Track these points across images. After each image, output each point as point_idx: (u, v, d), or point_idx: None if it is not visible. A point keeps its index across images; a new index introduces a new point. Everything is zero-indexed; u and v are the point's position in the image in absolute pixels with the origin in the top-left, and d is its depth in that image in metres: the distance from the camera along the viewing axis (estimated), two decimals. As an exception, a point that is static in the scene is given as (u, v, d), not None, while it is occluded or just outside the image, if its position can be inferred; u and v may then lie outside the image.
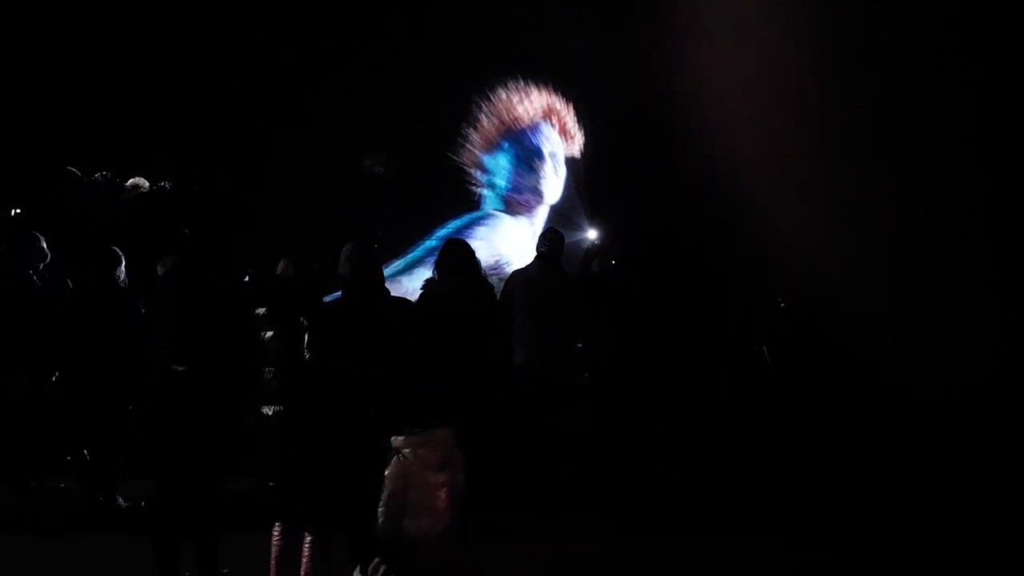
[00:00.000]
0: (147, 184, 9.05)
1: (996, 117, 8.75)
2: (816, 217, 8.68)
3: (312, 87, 10.36)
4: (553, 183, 8.37)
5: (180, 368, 5.61)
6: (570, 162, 8.59)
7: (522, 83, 8.36)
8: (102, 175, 8.91)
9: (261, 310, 5.65)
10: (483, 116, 8.36)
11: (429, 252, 7.16)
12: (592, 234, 9.42)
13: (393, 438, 5.41)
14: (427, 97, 9.51)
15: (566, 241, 7.96)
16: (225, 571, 5.85)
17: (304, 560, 5.44)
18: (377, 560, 5.54)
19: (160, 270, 5.87)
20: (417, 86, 9.65)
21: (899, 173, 8.89)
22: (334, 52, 10.33)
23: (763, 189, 8.92)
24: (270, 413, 5.52)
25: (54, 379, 7.27)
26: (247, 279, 6.68)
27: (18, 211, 8.74)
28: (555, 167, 8.36)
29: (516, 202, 8.32)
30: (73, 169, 8.80)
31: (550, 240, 7.74)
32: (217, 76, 10.43)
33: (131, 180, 9.04)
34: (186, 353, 5.63)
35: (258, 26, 10.45)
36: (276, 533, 5.52)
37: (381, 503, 5.38)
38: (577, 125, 8.55)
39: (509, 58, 9.34)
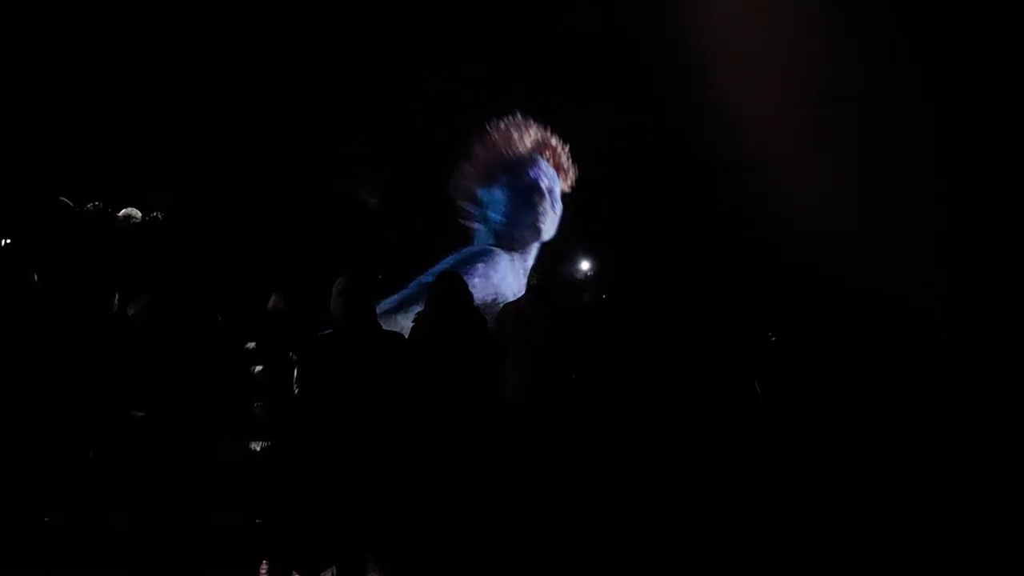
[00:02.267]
0: (139, 214, 9.03)
1: (998, 117, 8.75)
2: (816, 217, 8.68)
3: (312, 87, 10.37)
4: (551, 219, 8.21)
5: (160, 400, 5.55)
6: (564, 195, 8.40)
7: (519, 117, 8.14)
8: (94, 205, 8.86)
9: (251, 344, 5.63)
10: (479, 148, 8.17)
11: (423, 289, 7.01)
12: (585, 265, 9.44)
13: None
14: (427, 97, 9.50)
15: (559, 273, 7.90)
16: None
17: (291, 599, 5.41)
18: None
19: (130, 311, 5.81)
20: (417, 86, 9.64)
21: (899, 174, 8.90)
22: (334, 52, 10.33)
23: (762, 189, 8.94)
24: (259, 449, 5.49)
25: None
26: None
27: (7, 240, 8.73)
28: (552, 203, 8.19)
29: (512, 238, 8.15)
30: (65, 199, 8.73)
31: (541, 273, 7.69)
32: (217, 76, 10.43)
33: (123, 211, 9.01)
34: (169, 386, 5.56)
35: (258, 26, 10.44)
36: (263, 571, 5.50)
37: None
38: (570, 160, 8.34)
39: (509, 59, 9.35)
